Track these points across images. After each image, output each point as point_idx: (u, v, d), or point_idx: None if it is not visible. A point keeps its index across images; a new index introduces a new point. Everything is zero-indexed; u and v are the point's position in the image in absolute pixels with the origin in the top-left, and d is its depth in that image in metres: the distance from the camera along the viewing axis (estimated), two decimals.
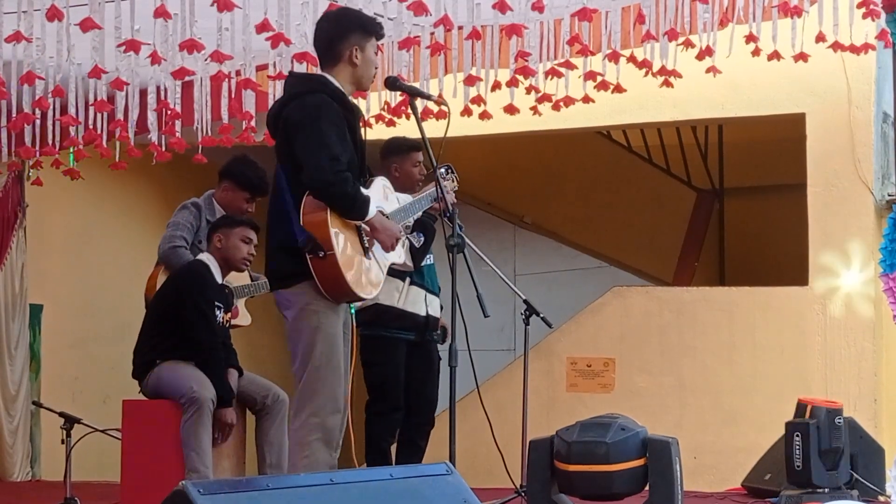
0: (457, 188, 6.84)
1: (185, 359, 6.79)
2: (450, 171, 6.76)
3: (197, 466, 6.53)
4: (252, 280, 7.51)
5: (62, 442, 7.05)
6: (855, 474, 6.87)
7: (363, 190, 5.41)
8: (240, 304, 7.47)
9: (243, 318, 7.58)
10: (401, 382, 7.13)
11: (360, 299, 5.50)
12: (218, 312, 6.86)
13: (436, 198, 6.18)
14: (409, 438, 7.33)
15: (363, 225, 5.43)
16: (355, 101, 5.80)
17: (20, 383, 9.92)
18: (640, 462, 5.39)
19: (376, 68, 5.70)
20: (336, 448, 5.41)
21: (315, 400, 5.32)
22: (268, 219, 5.54)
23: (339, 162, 5.27)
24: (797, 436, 6.47)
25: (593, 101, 8.46)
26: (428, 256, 7.27)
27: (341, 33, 5.53)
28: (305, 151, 5.31)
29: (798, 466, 6.46)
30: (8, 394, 9.82)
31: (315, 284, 5.29)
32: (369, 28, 5.57)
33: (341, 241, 5.30)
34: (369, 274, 5.46)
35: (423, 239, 6.85)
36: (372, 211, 5.41)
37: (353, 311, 5.58)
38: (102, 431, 7.44)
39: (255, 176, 7.40)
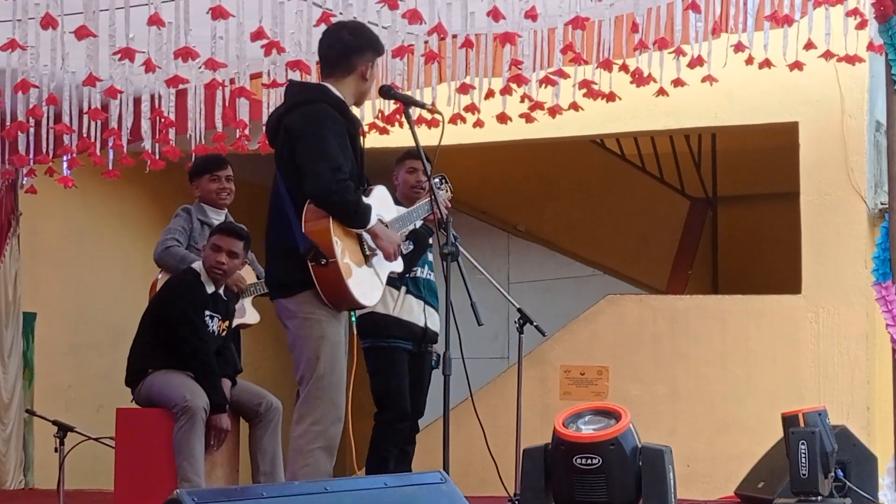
0: (451, 196, 6.91)
1: (178, 367, 6.79)
2: (444, 180, 6.86)
3: (189, 475, 6.52)
4: (259, 278, 7.53)
5: (55, 450, 7.04)
6: (848, 482, 6.88)
7: (364, 199, 5.43)
8: (246, 302, 7.49)
9: (251, 316, 7.60)
10: (405, 391, 7.14)
11: (362, 307, 5.51)
12: (210, 321, 6.86)
13: (430, 209, 6.19)
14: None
15: (365, 233, 5.45)
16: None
17: (13, 391, 9.91)
18: None
19: None
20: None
21: (318, 408, 5.33)
22: (267, 225, 5.54)
23: (341, 171, 5.28)
24: (802, 444, 6.47)
25: (583, 109, 8.48)
26: (429, 272, 7.29)
27: (360, 47, 5.54)
28: (307, 160, 5.30)
29: (804, 475, 6.47)
30: (1, 402, 9.81)
31: (316, 293, 5.29)
32: (379, 48, 5.65)
33: (342, 248, 5.31)
34: (370, 282, 5.48)
35: (411, 247, 6.88)
36: (373, 219, 5.42)
37: (353, 318, 5.59)
38: (96, 440, 7.43)
39: (206, 158, 7.66)
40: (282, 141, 5.44)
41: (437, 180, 6.58)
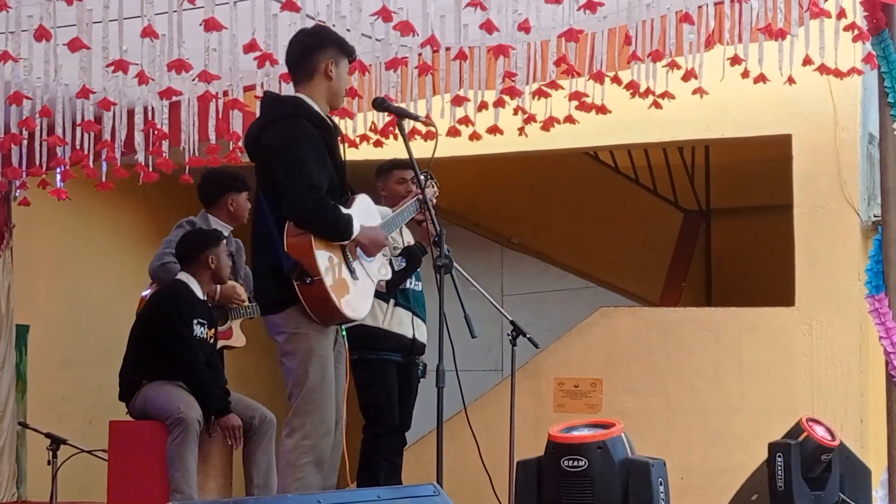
0: (437, 193, 6.86)
1: (171, 379, 6.79)
2: (428, 176, 6.74)
3: (182, 487, 6.52)
4: (250, 299, 7.52)
5: (48, 463, 7.04)
6: (842, 495, 6.88)
7: (345, 210, 5.41)
8: (235, 325, 7.48)
9: (237, 339, 7.58)
10: (395, 404, 7.14)
11: (351, 321, 5.50)
12: (199, 329, 6.87)
13: (418, 207, 6.25)
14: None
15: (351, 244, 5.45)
16: (336, 119, 5.82)
17: (6, 404, 9.88)
18: None
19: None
20: (331, 469, 5.41)
21: (308, 422, 5.32)
22: (251, 243, 5.54)
23: (319, 189, 5.27)
24: (779, 456, 6.48)
25: (578, 122, 8.49)
26: (416, 282, 7.29)
27: (318, 45, 5.56)
28: (285, 180, 5.31)
29: (780, 487, 6.47)
30: None
31: (303, 308, 5.29)
32: (344, 47, 5.64)
33: (328, 263, 5.30)
34: (359, 294, 5.47)
35: (404, 264, 6.89)
36: (356, 229, 5.41)
37: (344, 332, 5.59)
38: (89, 452, 7.43)
39: (236, 175, 7.66)
40: (260, 159, 5.47)
41: (422, 177, 6.60)
